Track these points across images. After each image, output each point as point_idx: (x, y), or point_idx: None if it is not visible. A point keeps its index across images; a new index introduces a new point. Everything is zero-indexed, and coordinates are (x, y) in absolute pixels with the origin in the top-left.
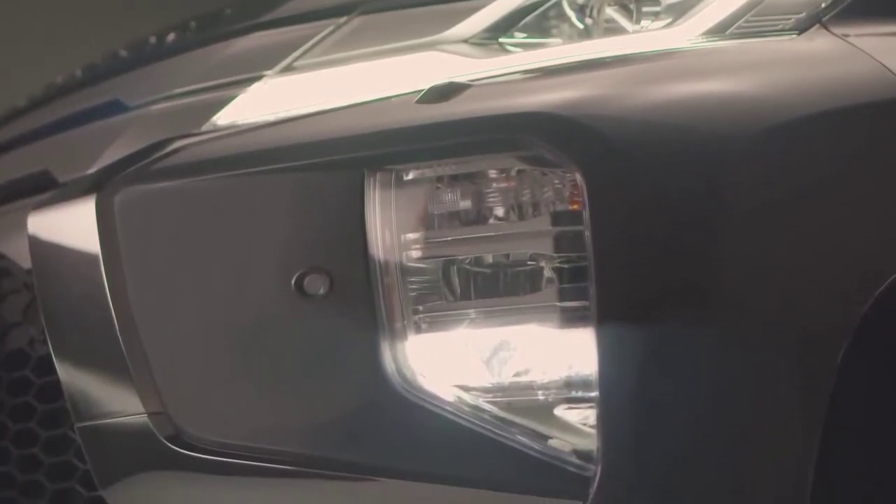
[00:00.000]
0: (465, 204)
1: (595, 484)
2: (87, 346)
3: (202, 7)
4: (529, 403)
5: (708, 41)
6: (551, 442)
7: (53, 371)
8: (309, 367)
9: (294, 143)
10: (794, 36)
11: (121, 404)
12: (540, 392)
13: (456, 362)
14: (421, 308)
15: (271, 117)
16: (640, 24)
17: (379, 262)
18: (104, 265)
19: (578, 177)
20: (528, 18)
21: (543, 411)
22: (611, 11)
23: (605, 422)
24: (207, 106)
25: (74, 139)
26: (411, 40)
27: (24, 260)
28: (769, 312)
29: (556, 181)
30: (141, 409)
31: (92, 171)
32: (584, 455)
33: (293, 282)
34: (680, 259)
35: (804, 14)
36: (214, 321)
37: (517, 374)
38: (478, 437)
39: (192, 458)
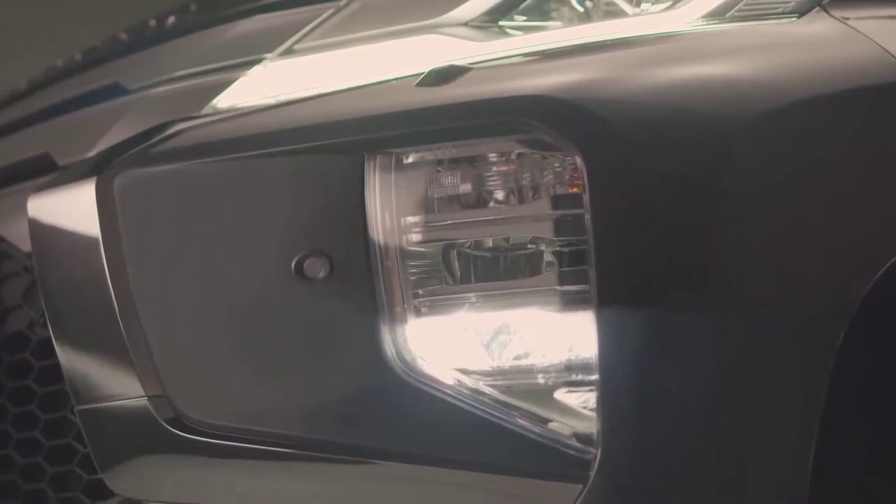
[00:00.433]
0: (465, 187)
1: (595, 467)
2: (87, 329)
3: None
4: (529, 387)
5: (708, 24)
6: (551, 425)
7: (53, 354)
8: (309, 350)
9: (294, 126)
10: (793, 19)
11: (121, 387)
12: (540, 375)
13: (456, 346)
14: (421, 291)
15: (272, 100)
16: (639, 7)
17: (379, 245)
18: (104, 248)
19: (578, 160)
20: (528, 1)
21: (543, 394)
22: None
23: (605, 405)
24: (208, 89)
25: (74, 122)
26: (411, 23)
27: (24, 243)
28: (769, 296)
29: (557, 164)
30: (141, 392)
31: (92, 154)
32: (584, 438)
33: (293, 265)
34: (680, 242)
35: None
36: (214, 304)
37: (517, 358)
38: (478, 420)
39: (191, 441)
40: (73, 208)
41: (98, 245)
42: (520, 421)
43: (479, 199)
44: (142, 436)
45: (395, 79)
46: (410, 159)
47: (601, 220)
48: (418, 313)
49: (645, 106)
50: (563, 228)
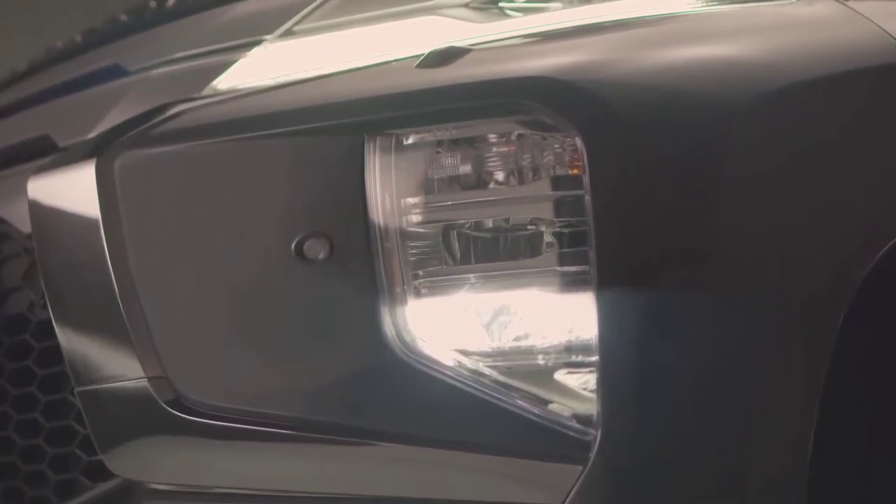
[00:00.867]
0: (465, 168)
1: (595, 448)
2: (87, 311)
3: None
4: (529, 368)
5: (708, 5)
6: (551, 406)
7: (53, 335)
8: (309, 331)
9: (294, 107)
10: (794, 0)
11: (121, 369)
12: (540, 356)
13: (456, 327)
14: (421, 272)
15: (271, 82)
16: None
17: (379, 226)
18: (104, 230)
19: (578, 141)
20: None
21: (543, 376)
22: None
23: (605, 386)
24: (208, 70)
25: (74, 104)
26: (411, 4)
27: (24, 224)
28: (769, 276)
29: (557, 146)
30: (141, 373)
31: (92, 135)
32: (584, 419)
33: (293, 246)
34: (680, 223)
35: None
36: (215, 286)
37: (517, 339)
38: (478, 401)
39: (191, 423)
40: (73, 190)
41: (98, 226)
42: (520, 402)
43: (479, 180)
44: (142, 417)
45: (395, 60)
46: (410, 140)
47: (601, 201)
48: (418, 294)
49: (645, 87)
50: (563, 209)
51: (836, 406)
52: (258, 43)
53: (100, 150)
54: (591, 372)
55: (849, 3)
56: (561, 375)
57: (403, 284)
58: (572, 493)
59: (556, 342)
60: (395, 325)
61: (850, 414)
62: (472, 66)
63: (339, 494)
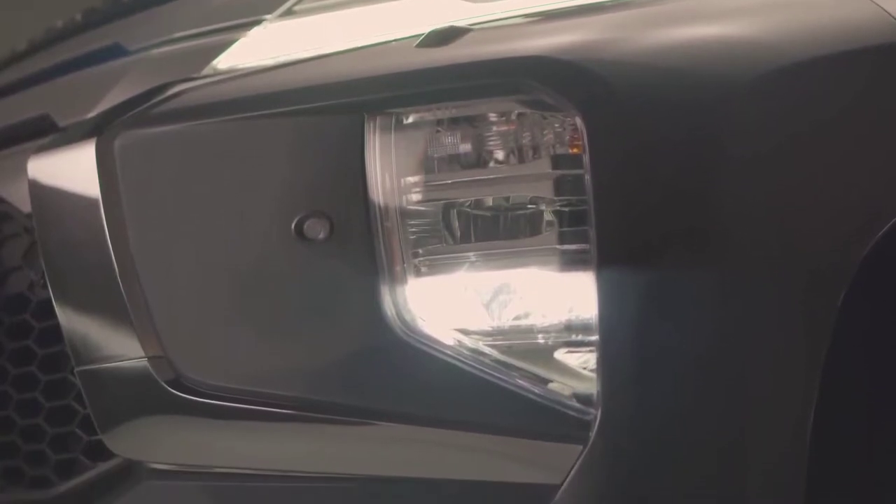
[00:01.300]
0: (465, 147)
1: (595, 428)
2: (87, 291)
3: None
4: (529, 347)
5: None
6: (551, 385)
7: (53, 315)
8: (309, 311)
9: (294, 87)
10: None
11: (121, 348)
12: (540, 335)
13: (456, 306)
14: (421, 251)
15: (271, 61)
16: None
17: (379, 205)
18: (104, 209)
19: (578, 121)
20: None
21: (543, 355)
22: None
23: (605, 365)
24: (208, 50)
25: (74, 83)
26: None
27: (24, 204)
28: (769, 255)
29: (557, 125)
30: (141, 353)
31: (92, 115)
32: (584, 399)
33: (293, 226)
34: (680, 202)
35: None
36: (215, 265)
37: (517, 318)
38: (478, 380)
39: (191, 402)
40: (73, 169)
41: (98, 206)
42: (520, 381)
43: (479, 159)
44: (142, 397)
45: (395, 40)
46: (410, 120)
47: (601, 180)
48: (418, 273)
49: (645, 67)
50: (563, 188)
51: (837, 386)
52: (258, 23)
53: (100, 130)
54: (591, 351)
55: None
56: (561, 355)
57: (403, 263)
58: (572, 472)
59: (556, 321)
60: (395, 305)
61: (850, 394)
62: (473, 46)
63: (339, 474)
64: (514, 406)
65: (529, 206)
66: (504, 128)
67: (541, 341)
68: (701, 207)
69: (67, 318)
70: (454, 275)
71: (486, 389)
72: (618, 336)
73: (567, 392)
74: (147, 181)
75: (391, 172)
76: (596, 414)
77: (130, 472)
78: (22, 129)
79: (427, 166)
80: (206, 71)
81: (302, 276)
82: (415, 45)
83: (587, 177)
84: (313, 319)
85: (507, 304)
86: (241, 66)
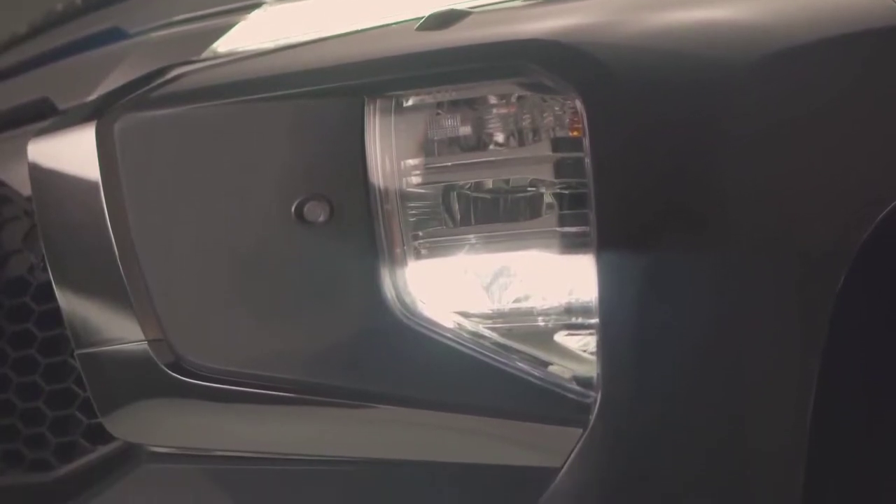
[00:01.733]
0: (465, 130)
1: (595, 410)
2: (87, 273)
3: None
4: (529, 330)
5: None
6: (551, 368)
7: (53, 298)
8: (309, 294)
9: (294, 70)
10: None
11: (121, 331)
12: (540, 318)
13: (456, 288)
14: (421, 234)
15: (271, 44)
16: None
17: (379, 188)
18: (104, 192)
19: (578, 103)
20: None
21: (543, 337)
22: None
23: (605, 348)
24: (208, 33)
25: (74, 66)
26: None
27: (24, 187)
28: (769, 239)
29: (557, 107)
30: (141, 336)
31: (92, 98)
32: (584, 382)
33: (293, 209)
34: (680, 185)
35: None
36: (215, 248)
37: (517, 301)
38: (478, 363)
39: (191, 386)
40: (73, 152)
41: (98, 189)
42: (520, 364)
43: (479, 142)
44: (142, 380)
45: (396, 23)
46: (410, 102)
47: (601, 163)
48: (418, 256)
49: (645, 49)
50: (563, 171)
51: (836, 370)
52: (258, 5)
53: (100, 113)
54: (591, 334)
55: None
56: (561, 337)
57: (403, 246)
58: (572, 455)
59: (556, 304)
60: (395, 287)
61: (849, 378)
62: (473, 29)
63: (339, 457)
64: (514, 389)
65: (529, 188)
66: (504, 110)
67: (541, 324)
68: (700, 190)
69: (67, 301)
70: (454, 257)
71: (486, 372)
72: (618, 319)
73: (567, 375)
74: (147, 164)
75: (391, 155)
76: (596, 397)
77: (130, 455)
78: (22, 113)
79: (427, 149)
80: (206, 54)
81: (302, 259)
82: (415, 27)
83: (587, 159)
84: (313, 302)
85: (507, 287)
86: (241, 49)
